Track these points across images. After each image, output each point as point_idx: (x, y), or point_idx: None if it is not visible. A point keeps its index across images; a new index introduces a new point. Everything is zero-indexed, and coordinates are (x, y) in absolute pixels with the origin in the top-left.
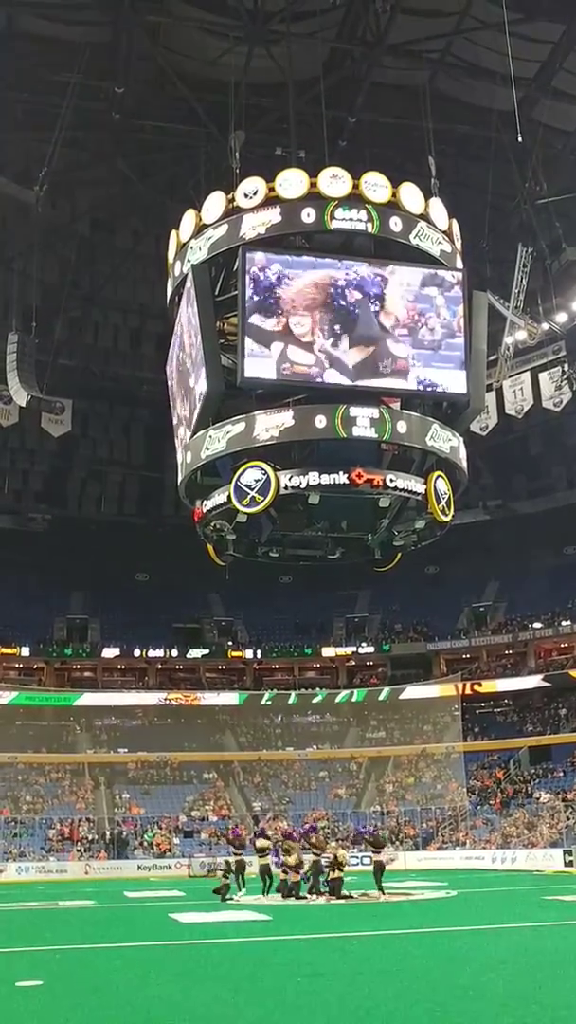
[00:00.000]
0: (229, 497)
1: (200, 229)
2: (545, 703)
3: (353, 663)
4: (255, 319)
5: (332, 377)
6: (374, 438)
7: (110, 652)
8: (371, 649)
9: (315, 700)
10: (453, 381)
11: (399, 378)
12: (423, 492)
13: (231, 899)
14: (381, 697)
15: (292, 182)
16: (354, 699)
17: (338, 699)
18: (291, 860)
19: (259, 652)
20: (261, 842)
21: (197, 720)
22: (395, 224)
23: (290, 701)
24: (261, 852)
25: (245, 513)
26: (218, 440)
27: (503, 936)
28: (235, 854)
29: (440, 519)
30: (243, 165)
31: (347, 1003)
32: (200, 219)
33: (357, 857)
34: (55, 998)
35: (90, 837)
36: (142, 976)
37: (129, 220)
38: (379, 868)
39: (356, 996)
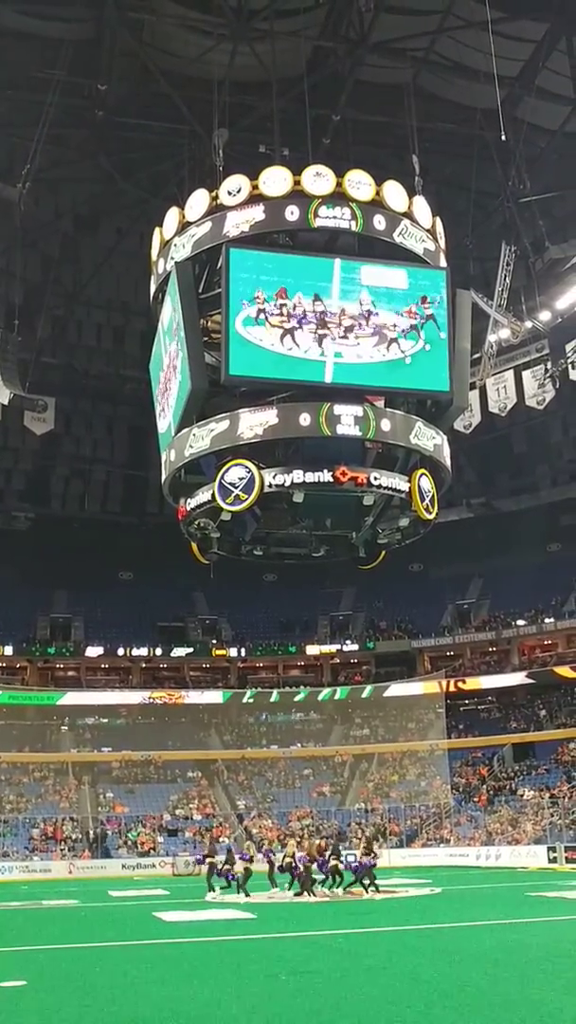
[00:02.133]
0: (213, 495)
1: (184, 227)
2: (529, 700)
3: (337, 661)
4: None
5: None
6: (358, 436)
7: (94, 651)
8: (355, 647)
9: (297, 698)
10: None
11: None
12: (407, 490)
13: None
14: (364, 695)
15: (276, 180)
16: (337, 697)
17: (320, 697)
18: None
19: (243, 650)
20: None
21: (181, 719)
22: (379, 222)
23: (271, 699)
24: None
25: (229, 511)
26: (202, 438)
27: (488, 933)
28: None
29: (424, 517)
30: (227, 163)
31: (332, 1001)
32: (184, 217)
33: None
34: (39, 998)
35: (74, 836)
36: (126, 975)
37: (113, 218)
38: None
39: (341, 994)
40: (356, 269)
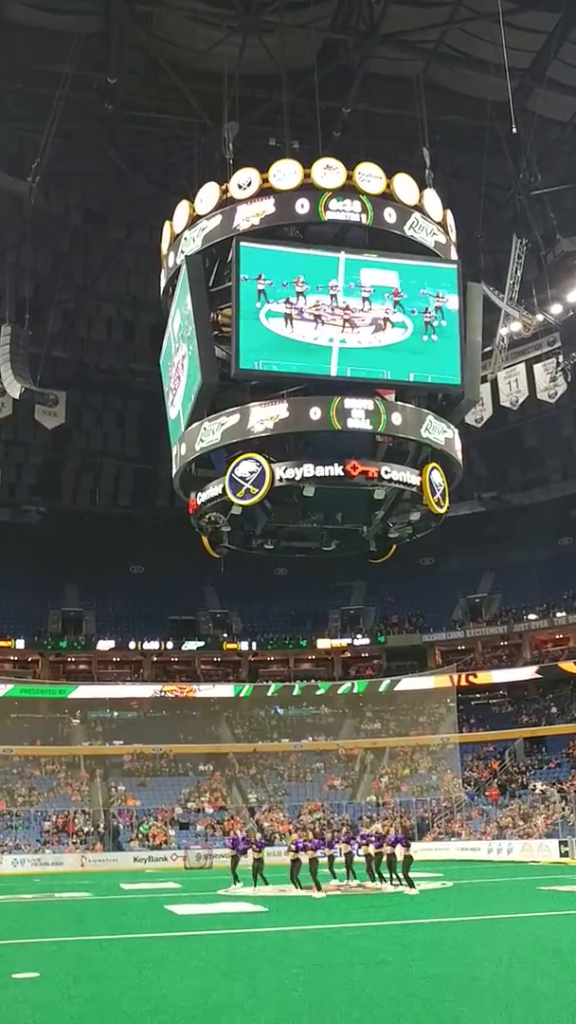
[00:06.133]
0: (224, 489)
1: (194, 220)
2: (540, 694)
3: (348, 655)
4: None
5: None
6: (369, 430)
7: (105, 644)
8: (366, 641)
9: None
10: None
11: None
12: (418, 484)
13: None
14: (381, 688)
15: (286, 173)
16: (340, 691)
17: (340, 691)
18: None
19: (254, 644)
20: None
21: (192, 712)
22: (389, 215)
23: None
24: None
25: (240, 505)
26: (212, 432)
27: (499, 927)
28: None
29: (435, 511)
30: (237, 156)
31: (343, 993)
32: (194, 210)
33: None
34: (51, 990)
35: (86, 829)
36: (138, 968)
37: (122, 211)
38: (406, 861)
39: (352, 986)
40: (359, 264)
